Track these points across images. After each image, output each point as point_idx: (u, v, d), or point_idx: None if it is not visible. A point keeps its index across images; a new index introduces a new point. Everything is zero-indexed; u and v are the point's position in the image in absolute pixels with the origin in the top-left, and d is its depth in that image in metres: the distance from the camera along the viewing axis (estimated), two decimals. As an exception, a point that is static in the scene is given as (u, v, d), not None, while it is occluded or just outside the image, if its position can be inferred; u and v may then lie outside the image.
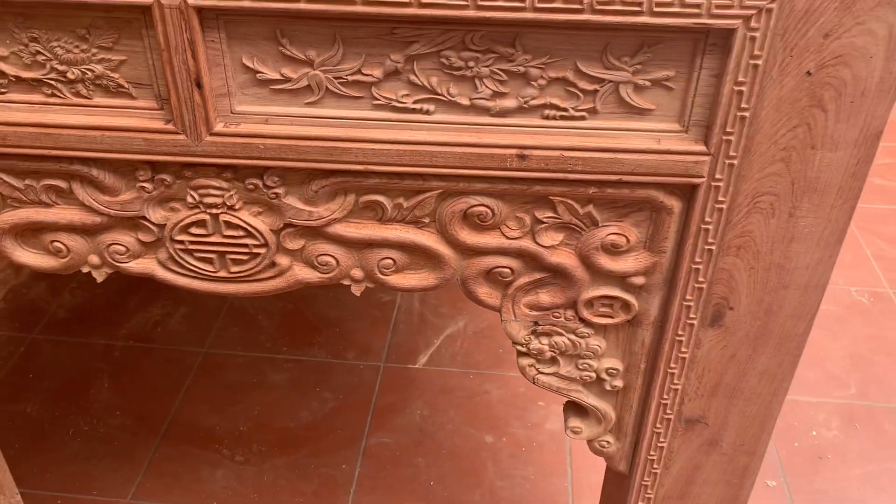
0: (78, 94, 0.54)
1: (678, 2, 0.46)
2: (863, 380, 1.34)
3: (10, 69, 0.53)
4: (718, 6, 0.46)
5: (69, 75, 0.53)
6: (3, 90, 0.54)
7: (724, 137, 0.51)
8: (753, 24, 0.46)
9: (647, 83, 0.50)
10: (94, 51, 0.52)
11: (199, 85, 0.51)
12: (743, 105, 0.49)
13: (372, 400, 1.29)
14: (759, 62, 0.48)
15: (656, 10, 0.46)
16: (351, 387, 1.32)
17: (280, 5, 0.48)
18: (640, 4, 0.46)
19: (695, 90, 0.50)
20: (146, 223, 0.59)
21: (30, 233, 0.61)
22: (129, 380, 1.32)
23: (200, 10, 0.49)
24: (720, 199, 0.53)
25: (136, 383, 1.31)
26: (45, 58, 0.52)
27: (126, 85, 0.53)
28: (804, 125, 0.50)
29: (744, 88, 0.49)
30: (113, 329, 1.42)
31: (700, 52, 0.49)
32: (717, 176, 0.52)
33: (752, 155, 0.51)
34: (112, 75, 0.53)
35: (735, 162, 0.52)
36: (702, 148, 0.52)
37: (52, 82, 0.54)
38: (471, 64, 0.51)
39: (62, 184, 0.58)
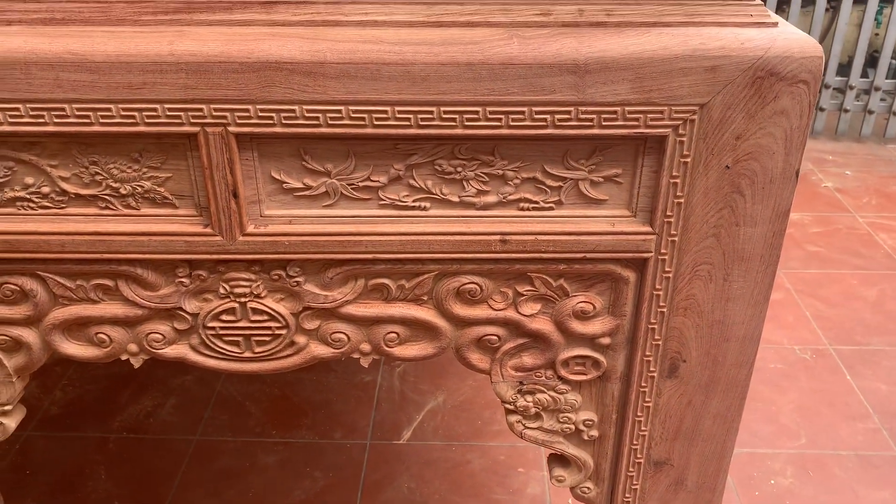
0: (128, 206, 0.64)
1: (621, 116, 0.58)
2: (812, 430, 1.45)
3: (70, 188, 0.63)
4: (652, 118, 0.58)
5: (122, 191, 0.63)
6: (63, 205, 0.64)
7: (665, 220, 0.63)
8: (681, 131, 0.59)
9: (601, 179, 0.63)
10: (145, 170, 0.62)
11: (235, 195, 0.62)
12: (678, 193, 0.62)
13: (361, 476, 1.36)
14: (688, 160, 0.60)
15: (604, 123, 0.59)
16: (340, 465, 1.38)
17: (306, 130, 0.59)
18: (591, 120, 0.59)
19: (639, 183, 0.63)
20: (182, 313, 0.69)
21: (76, 327, 0.70)
22: (125, 470, 1.36)
23: (238, 136, 0.60)
24: (666, 269, 0.65)
25: (133, 473, 1.36)
26: (101, 177, 0.63)
27: (170, 196, 0.64)
28: (728, 207, 0.62)
29: (678, 181, 0.61)
30: (106, 422, 1.47)
31: (641, 153, 0.61)
32: (663, 251, 0.64)
33: (689, 232, 0.64)
34: (159, 189, 0.63)
35: (676, 239, 0.64)
36: (648, 229, 0.64)
37: (107, 197, 0.64)
38: (459, 169, 0.62)
39: (109, 282, 0.67)
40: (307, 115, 0.58)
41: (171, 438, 1.44)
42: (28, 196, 0.63)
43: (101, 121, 0.59)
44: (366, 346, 0.71)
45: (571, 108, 0.58)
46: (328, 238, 0.64)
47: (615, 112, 0.58)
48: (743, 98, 0.58)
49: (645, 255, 0.65)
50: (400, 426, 1.47)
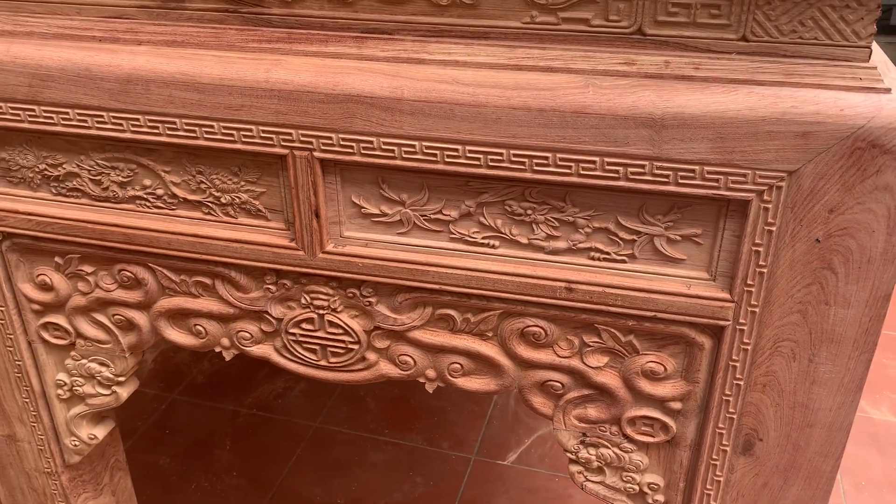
0: (227, 214, 0.69)
1: (699, 175, 0.55)
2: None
3: (180, 192, 0.70)
4: (734, 181, 0.55)
5: (223, 200, 0.69)
6: (173, 207, 0.71)
7: (746, 288, 0.58)
8: (766, 197, 0.55)
9: (678, 238, 0.59)
10: (243, 183, 0.67)
11: (317, 215, 0.65)
12: (761, 262, 0.57)
13: (460, 490, 1.37)
14: (773, 228, 0.56)
15: (681, 181, 0.56)
16: (442, 475, 1.40)
17: (382, 161, 0.61)
18: (667, 176, 0.56)
19: (720, 246, 0.59)
20: (268, 316, 0.73)
21: (179, 316, 0.77)
22: (247, 444, 1.47)
23: (322, 161, 0.63)
24: (745, 340, 0.60)
25: (254, 448, 1.46)
26: (206, 185, 0.68)
27: (263, 209, 0.68)
28: (817, 284, 0.57)
29: (761, 249, 0.57)
30: (240, 397, 1.59)
31: (723, 215, 0.57)
32: (741, 321, 0.60)
33: (772, 305, 0.59)
34: (254, 202, 0.68)
35: (756, 310, 0.59)
36: (726, 296, 0.59)
37: (210, 204, 0.69)
38: (529, 212, 0.62)
39: (207, 280, 0.73)
40: (384, 147, 0.60)
41: (294, 422, 1.53)
42: (145, 196, 0.71)
43: (205, 136, 0.64)
44: (431, 373, 0.72)
45: (646, 163, 0.56)
46: (399, 265, 0.66)
47: (693, 171, 0.55)
48: (839, 169, 0.52)
49: (722, 322, 0.60)
50: (507, 447, 1.46)
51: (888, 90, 0.52)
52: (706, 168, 0.55)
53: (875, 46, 0.56)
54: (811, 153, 0.52)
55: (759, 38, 0.54)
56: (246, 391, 1.61)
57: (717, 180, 0.55)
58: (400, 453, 1.45)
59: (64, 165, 0.71)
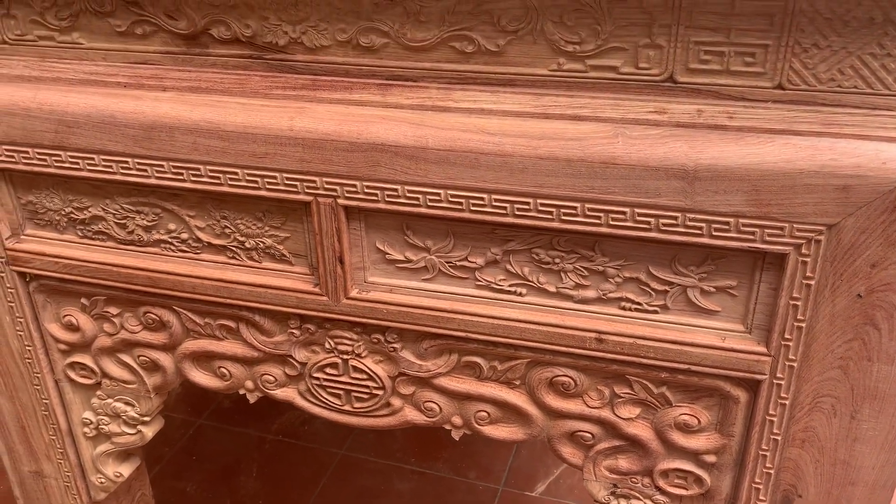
0: (251, 258, 0.69)
1: (734, 228, 0.53)
2: None
3: (204, 236, 0.69)
4: (771, 234, 0.53)
5: (247, 244, 0.68)
6: (198, 251, 0.70)
7: (784, 342, 0.56)
8: (804, 250, 0.53)
9: (713, 289, 0.57)
10: (267, 228, 0.67)
11: (341, 261, 0.64)
12: (799, 317, 0.55)
13: (487, 521, 1.35)
14: (812, 282, 0.53)
15: (715, 233, 0.54)
16: (469, 506, 1.38)
17: (407, 209, 0.60)
18: (700, 228, 0.54)
19: (756, 298, 0.57)
20: (292, 360, 0.73)
21: (203, 358, 0.76)
22: (274, 471, 1.47)
23: (346, 208, 0.62)
24: (783, 395, 0.58)
25: (280, 475, 1.46)
26: (230, 230, 0.68)
27: (288, 254, 0.68)
28: (859, 339, 0.55)
29: (799, 303, 0.54)
30: (267, 423, 1.58)
31: (759, 268, 0.55)
32: (779, 375, 0.58)
33: (811, 360, 0.56)
34: (278, 247, 0.67)
35: (794, 365, 0.57)
36: (763, 349, 0.57)
37: (234, 248, 0.69)
38: (557, 260, 0.60)
39: (232, 324, 0.73)
40: (408, 195, 0.59)
41: (320, 449, 1.52)
42: (170, 240, 0.70)
43: (230, 182, 0.64)
44: (457, 420, 0.71)
45: (678, 214, 0.54)
46: (424, 312, 0.64)
47: (727, 223, 0.53)
48: (881, 223, 0.50)
49: (758, 376, 0.58)
50: (535, 477, 1.44)
51: (934, 141, 0.50)
52: (741, 220, 0.53)
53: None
54: (852, 207, 0.50)
55: (795, 87, 0.52)
56: (272, 417, 1.60)
57: (752, 233, 0.53)
58: (426, 483, 1.44)
59: (90, 209, 0.71)
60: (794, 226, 0.52)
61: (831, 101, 0.52)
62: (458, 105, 0.58)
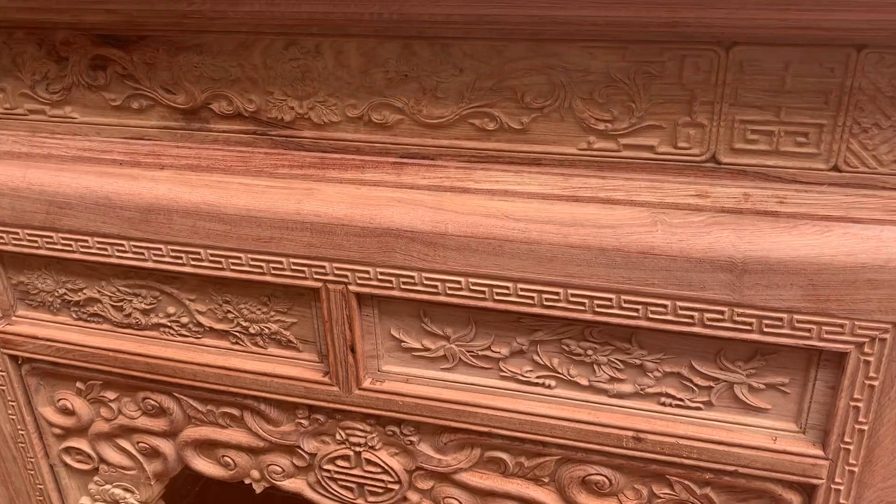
0: (256, 344, 0.64)
1: (787, 324, 0.48)
2: None
3: (206, 321, 0.64)
4: (829, 332, 0.47)
5: (251, 330, 0.63)
6: (199, 336, 0.65)
7: (843, 446, 0.51)
8: (867, 349, 0.47)
9: (762, 386, 0.52)
10: (273, 313, 0.62)
11: (352, 350, 0.59)
12: (860, 419, 0.50)
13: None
14: (875, 383, 0.48)
15: (766, 329, 0.49)
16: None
17: (424, 297, 0.55)
18: (750, 324, 0.49)
19: (811, 397, 0.51)
20: (300, 451, 0.67)
21: (206, 446, 0.71)
22: (283, 534, 1.41)
23: (358, 295, 0.57)
24: (841, 501, 0.53)
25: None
26: (233, 315, 0.63)
27: (295, 340, 0.63)
28: (929, 445, 0.49)
29: (860, 404, 0.49)
30: (275, 480, 1.53)
31: (814, 365, 0.50)
32: (837, 480, 0.52)
33: (874, 465, 0.51)
34: (285, 332, 0.63)
35: (855, 470, 0.51)
36: (819, 452, 0.52)
37: (237, 334, 0.64)
38: (589, 352, 0.55)
39: (235, 412, 0.68)
40: (426, 282, 0.55)
41: (331, 508, 1.46)
42: (169, 324, 0.66)
43: (232, 267, 0.59)
44: (480, 517, 0.65)
45: (725, 309, 0.49)
46: (443, 404, 0.59)
47: (780, 319, 0.48)
48: (956, 322, 0.45)
49: (814, 481, 0.53)
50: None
51: None
52: (795, 317, 0.48)
53: None
54: (923, 304, 0.45)
55: (853, 169, 0.47)
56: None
57: (808, 330, 0.48)
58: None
59: (84, 291, 0.67)
60: (856, 323, 0.47)
61: (893, 185, 0.47)
62: (478, 186, 0.54)
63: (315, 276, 0.57)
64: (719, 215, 0.49)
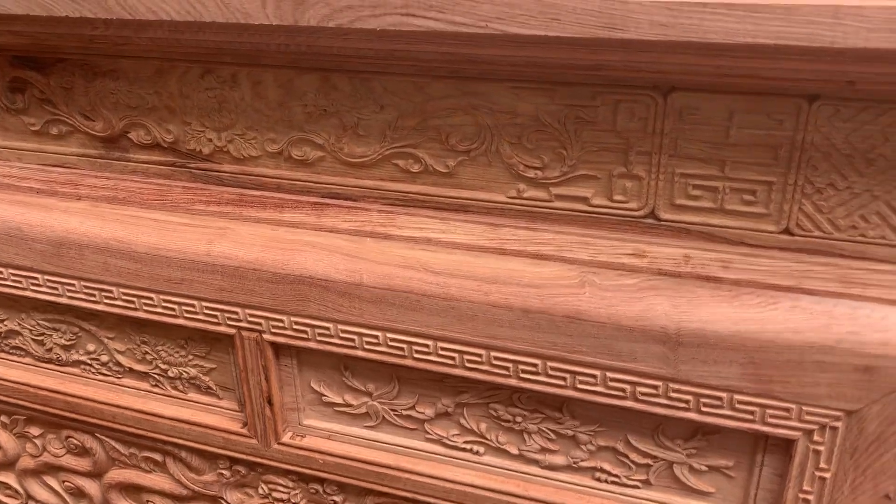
0: (176, 388, 0.60)
1: (727, 405, 0.43)
2: None
3: (125, 361, 0.60)
4: (773, 416, 0.42)
5: (170, 373, 0.59)
6: (119, 376, 0.61)
7: (793, 541, 0.45)
8: (816, 437, 0.42)
9: (704, 468, 0.47)
10: (191, 357, 0.58)
11: (269, 402, 0.55)
12: (811, 513, 0.44)
13: None
14: (827, 475, 0.43)
15: (704, 409, 0.43)
16: None
17: (342, 350, 0.51)
18: (686, 402, 0.43)
19: (757, 483, 0.46)
20: (224, 502, 0.63)
21: (131, 489, 0.67)
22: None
23: (273, 344, 0.53)
24: None
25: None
26: (152, 357, 0.59)
27: (214, 387, 0.59)
28: (889, 547, 0.43)
29: (810, 497, 0.43)
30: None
31: (760, 449, 0.45)
32: (788, 577, 0.46)
33: (828, 565, 0.45)
34: (204, 378, 0.58)
35: (807, 568, 0.45)
36: (767, 545, 0.46)
37: (157, 376, 0.60)
38: (518, 419, 0.50)
39: (158, 457, 0.64)
40: (342, 335, 0.50)
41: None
42: (90, 361, 0.62)
43: (145, 307, 0.55)
44: (409, 585, 0.60)
45: (659, 383, 0.44)
46: (366, 466, 0.55)
47: (720, 398, 0.43)
48: (916, 414, 0.39)
49: (762, 574, 0.47)
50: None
51: (984, 313, 0.39)
52: (736, 396, 0.42)
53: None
54: (877, 392, 0.40)
55: (807, 233, 0.42)
56: None
57: (751, 412, 0.42)
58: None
59: (5, 322, 0.63)
60: (804, 408, 0.41)
61: (852, 253, 0.41)
62: (401, 232, 0.49)
63: (228, 322, 0.53)
64: (655, 278, 0.44)
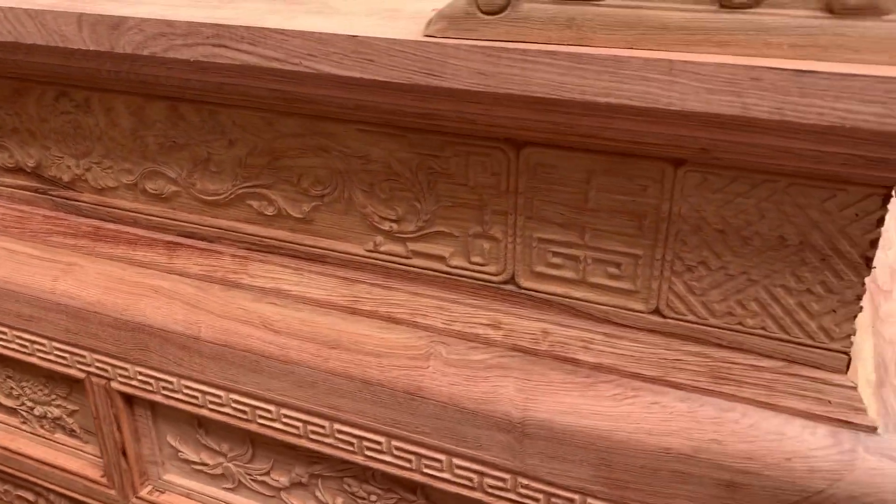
0: (43, 427, 0.56)
1: (581, 508, 0.37)
2: None
3: (-6, 395, 0.57)
4: (631, 526, 0.36)
5: (35, 412, 0.55)
6: (-11, 410, 0.58)
7: None
8: (679, 556, 0.36)
9: (568, 572, 0.41)
10: (54, 397, 0.54)
11: (124, 454, 0.51)
12: None
13: None
14: None
15: (556, 510, 0.37)
16: None
17: (186, 407, 0.46)
18: (536, 499, 0.38)
19: None
20: (93, 551, 0.59)
21: (9, 527, 0.64)
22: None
23: (122, 392, 0.48)
24: None
25: None
26: (17, 392, 0.55)
27: (78, 430, 0.54)
28: None
29: None
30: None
31: (625, 559, 0.39)
32: None
33: None
34: (67, 420, 0.54)
35: None
36: None
37: (24, 413, 0.56)
38: (373, 498, 0.45)
39: (31, 497, 0.60)
40: (185, 390, 0.45)
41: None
42: (-41, 392, 0.58)
43: (1, 343, 0.51)
44: None
45: (507, 476, 0.38)
46: (221, 531, 0.50)
47: (571, 500, 0.37)
48: (787, 543, 0.33)
49: None
50: None
51: (872, 428, 0.32)
52: (589, 500, 0.36)
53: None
54: (743, 512, 0.33)
55: (680, 317, 0.36)
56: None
57: (609, 523, 0.36)
58: None
59: None
60: (663, 522, 0.35)
61: (729, 343, 0.35)
62: (252, 281, 0.44)
63: (78, 366, 0.49)
64: (508, 355, 0.38)
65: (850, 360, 0.33)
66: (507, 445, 0.37)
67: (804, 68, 0.26)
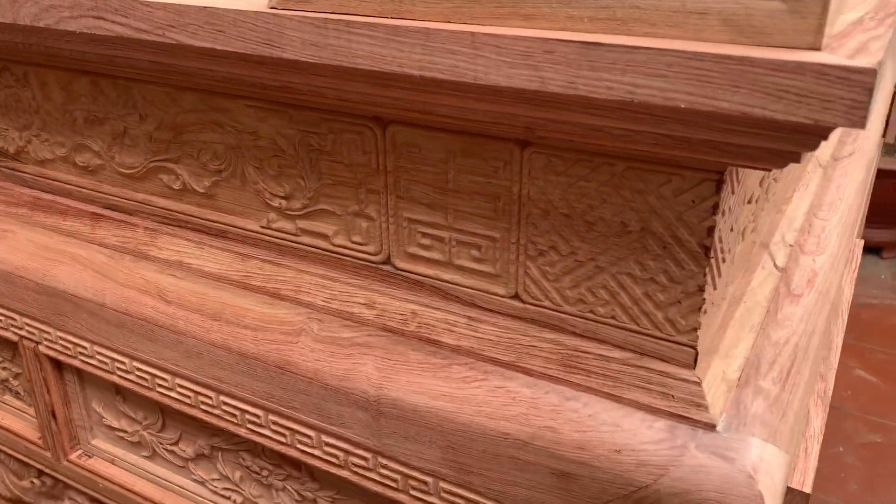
0: (-7, 389, 0.59)
1: (434, 491, 0.36)
2: None
3: (-47, 355, 0.60)
4: (480, 513, 0.35)
5: (-14, 373, 0.58)
6: (-51, 369, 0.61)
7: None
8: (525, 547, 0.35)
9: (437, 559, 0.40)
10: (0, 359, 0.56)
11: (54, 416, 0.53)
12: None
13: None
14: None
15: (412, 492, 0.37)
16: None
17: (98, 372, 0.48)
18: (395, 480, 0.38)
19: (488, 588, 0.39)
20: (39, 511, 0.61)
21: (-29, 485, 0.67)
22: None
23: (49, 356, 0.50)
24: None
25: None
26: (-29, 354, 0.58)
27: (23, 393, 0.57)
28: None
29: None
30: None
31: (485, 548, 0.38)
32: None
33: None
34: (13, 382, 0.57)
35: None
36: None
37: (-23, 374, 0.59)
38: (265, 473, 0.45)
39: (-14, 456, 0.63)
40: (98, 356, 0.47)
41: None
42: (-75, 352, 0.62)
43: (-52, 304, 0.54)
44: None
45: (368, 455, 0.38)
46: (135, 497, 0.51)
47: (426, 484, 0.37)
48: (618, 539, 0.32)
49: None
50: None
51: (710, 425, 0.31)
52: (441, 484, 0.36)
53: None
54: (575, 502, 0.33)
55: (536, 302, 0.35)
56: None
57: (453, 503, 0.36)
58: None
59: None
60: (506, 510, 0.35)
61: (582, 331, 0.34)
62: (159, 254, 0.46)
63: (12, 329, 0.51)
64: (375, 335, 0.38)
65: (696, 354, 0.32)
66: (367, 424, 0.37)
67: (591, 40, 0.25)
